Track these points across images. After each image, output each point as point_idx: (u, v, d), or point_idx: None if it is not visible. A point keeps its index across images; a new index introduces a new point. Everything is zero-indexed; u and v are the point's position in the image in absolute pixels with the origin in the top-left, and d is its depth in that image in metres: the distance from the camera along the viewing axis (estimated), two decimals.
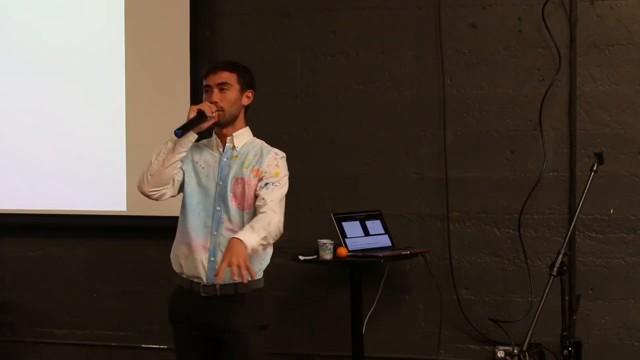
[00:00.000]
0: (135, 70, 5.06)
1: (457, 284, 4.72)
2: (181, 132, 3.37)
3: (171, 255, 3.58)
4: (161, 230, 5.05)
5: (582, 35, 4.58)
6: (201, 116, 3.42)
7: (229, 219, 3.45)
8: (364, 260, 4.43)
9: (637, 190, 4.55)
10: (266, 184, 3.44)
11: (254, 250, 3.31)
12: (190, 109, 3.44)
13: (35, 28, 5.22)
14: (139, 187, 3.50)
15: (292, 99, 4.95)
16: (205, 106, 3.43)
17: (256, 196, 3.44)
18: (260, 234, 3.31)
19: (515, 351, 4.54)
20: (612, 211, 4.57)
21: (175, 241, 3.58)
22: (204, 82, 3.53)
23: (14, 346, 5.32)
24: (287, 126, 4.92)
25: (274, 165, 3.49)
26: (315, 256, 4.45)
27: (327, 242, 4.40)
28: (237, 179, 3.47)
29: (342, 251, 4.41)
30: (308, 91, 4.94)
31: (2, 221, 5.27)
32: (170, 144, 3.44)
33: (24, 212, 5.23)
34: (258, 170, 3.47)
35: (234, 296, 3.43)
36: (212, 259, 3.44)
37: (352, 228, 4.52)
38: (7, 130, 5.26)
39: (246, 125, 3.59)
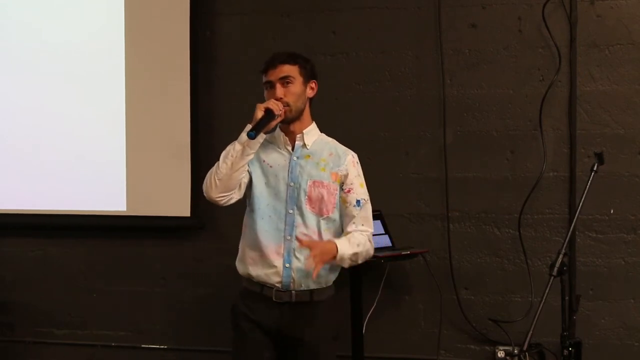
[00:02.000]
0: (135, 70, 5.06)
1: (457, 284, 4.72)
2: (255, 133, 3.19)
3: (237, 258, 3.41)
4: (161, 230, 5.09)
5: (582, 35, 4.58)
6: (269, 115, 3.23)
7: (304, 224, 3.30)
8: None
9: (637, 190, 4.56)
10: (358, 201, 3.33)
11: (342, 260, 3.21)
12: (257, 107, 3.25)
13: (35, 28, 5.21)
14: (207, 192, 3.30)
15: None
16: (272, 104, 3.24)
17: (341, 205, 3.33)
18: (354, 249, 3.24)
19: (515, 351, 4.54)
20: (612, 211, 4.57)
21: (241, 245, 3.40)
22: (264, 79, 3.34)
23: (14, 346, 5.31)
24: None
25: (356, 175, 3.38)
26: None
27: None
28: (314, 182, 3.31)
29: None
30: None
31: (2, 221, 5.27)
32: (238, 146, 3.24)
33: (24, 212, 5.23)
34: (337, 174, 3.35)
35: (309, 303, 3.30)
36: (287, 265, 3.29)
37: None
38: (7, 130, 5.25)
39: (313, 120, 3.44)
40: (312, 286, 3.30)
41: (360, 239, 3.31)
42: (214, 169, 3.26)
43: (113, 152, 5.09)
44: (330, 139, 3.48)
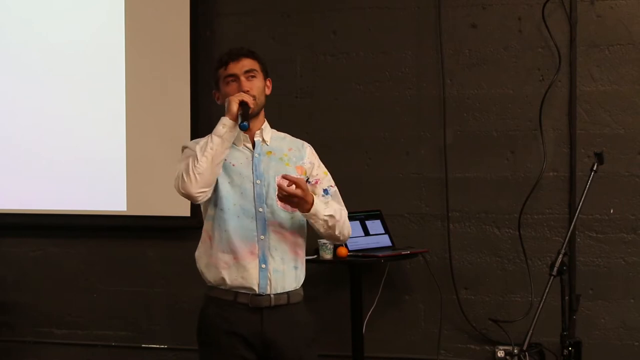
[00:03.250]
0: (135, 70, 5.06)
1: (457, 284, 4.72)
2: (248, 123, 3.09)
3: (202, 266, 3.23)
4: (161, 230, 5.09)
5: (582, 35, 4.58)
6: (245, 107, 3.15)
7: (275, 222, 3.18)
8: (364, 260, 4.44)
9: (637, 190, 4.55)
10: (325, 190, 3.25)
11: (315, 217, 3.10)
12: (231, 100, 3.14)
13: (36, 28, 5.22)
14: (185, 188, 3.12)
15: (292, 99, 4.94)
16: (244, 96, 3.16)
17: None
18: (330, 212, 3.14)
19: (515, 351, 4.53)
20: (612, 211, 4.57)
21: (207, 249, 3.22)
22: (225, 72, 3.24)
23: (14, 346, 5.31)
24: (287, 126, 4.89)
25: (319, 165, 3.31)
26: (315, 256, 4.44)
27: (327, 242, 4.40)
28: (281, 178, 3.16)
29: (342, 251, 4.41)
30: (308, 91, 4.94)
31: (2, 221, 5.27)
32: (217, 139, 3.11)
33: (24, 212, 5.23)
34: (302, 167, 3.27)
35: (286, 306, 3.18)
36: (263, 266, 3.15)
37: (352, 228, 4.51)
38: (7, 130, 5.26)
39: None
40: (288, 288, 3.19)
41: (337, 207, 3.23)
42: (190, 164, 3.10)
43: (113, 151, 5.09)
44: (283, 133, 3.39)
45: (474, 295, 4.74)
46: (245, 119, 3.10)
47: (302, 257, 3.26)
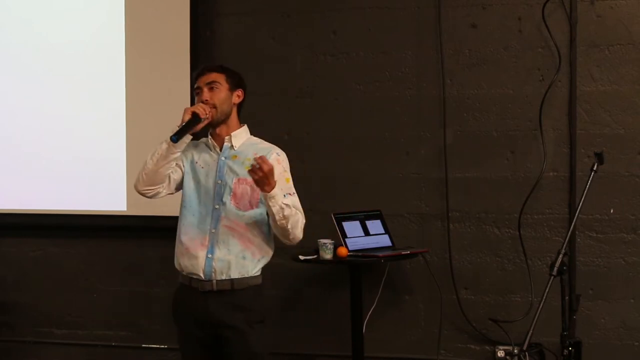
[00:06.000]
0: (135, 70, 5.06)
1: (457, 284, 4.72)
2: (177, 137, 3.46)
3: (175, 254, 3.66)
4: (161, 230, 5.07)
5: (582, 35, 4.58)
6: (195, 118, 3.49)
7: (228, 217, 3.52)
8: (364, 260, 4.43)
9: (637, 190, 4.56)
10: (284, 195, 3.48)
11: (273, 200, 3.37)
12: (184, 111, 3.51)
13: (36, 28, 5.22)
14: (135, 185, 3.60)
15: (292, 99, 4.95)
16: (199, 108, 3.51)
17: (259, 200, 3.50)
18: (288, 202, 3.44)
19: (515, 351, 4.54)
20: (612, 211, 4.57)
21: (176, 240, 3.65)
22: (195, 86, 3.61)
23: (14, 346, 5.32)
24: (287, 126, 4.92)
25: (282, 171, 3.55)
26: (315, 256, 4.45)
27: (327, 242, 4.41)
28: (239, 179, 3.53)
29: (342, 251, 4.41)
30: (308, 91, 4.94)
31: (2, 221, 5.27)
32: (164, 145, 3.52)
33: (24, 212, 5.23)
34: None
35: (230, 292, 3.51)
36: (209, 256, 3.52)
37: (352, 228, 4.52)
38: (7, 130, 5.26)
39: (242, 124, 3.66)
40: (233, 276, 3.51)
41: (297, 205, 3.52)
42: (142, 165, 3.54)
43: (113, 151, 5.09)
44: (258, 139, 3.67)
45: (474, 295, 4.74)
46: (180, 132, 3.45)
47: (254, 250, 3.54)
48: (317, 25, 4.92)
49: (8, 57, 5.26)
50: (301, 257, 4.45)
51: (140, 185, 3.58)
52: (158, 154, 3.52)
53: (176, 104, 4.96)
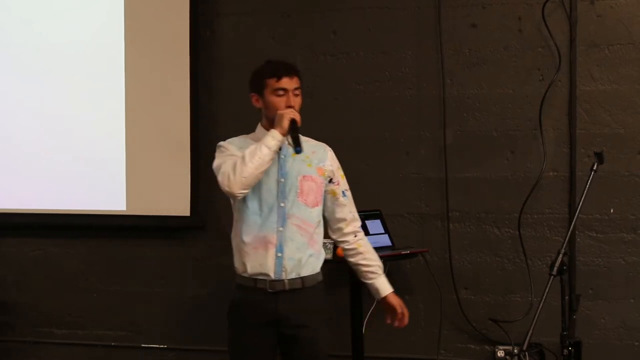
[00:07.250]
0: (135, 70, 5.06)
1: (457, 284, 4.72)
2: (300, 148, 3.45)
3: (234, 256, 3.59)
4: (161, 230, 5.09)
5: (582, 35, 4.58)
6: (294, 124, 3.48)
7: (295, 215, 3.51)
8: None
9: (637, 190, 4.56)
10: (343, 192, 3.62)
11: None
12: (284, 116, 3.46)
13: (36, 28, 5.22)
14: (230, 187, 3.42)
15: None
16: (296, 115, 3.50)
17: (330, 196, 3.62)
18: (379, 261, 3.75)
19: (515, 351, 4.54)
20: (612, 211, 4.57)
21: (235, 240, 3.58)
22: (277, 84, 3.54)
23: (14, 346, 5.32)
24: None
25: (338, 168, 3.67)
26: None
27: (327, 242, 4.38)
28: (304, 177, 3.55)
29: (342, 251, 4.40)
30: (308, 91, 4.93)
31: (2, 221, 5.28)
32: (266, 150, 3.42)
33: (24, 212, 5.23)
34: (322, 169, 3.60)
35: (301, 290, 3.50)
36: (279, 254, 3.48)
37: None
38: (7, 130, 5.26)
39: None
40: (303, 274, 3.51)
41: (369, 248, 3.77)
42: (238, 166, 3.40)
43: (113, 151, 5.09)
44: (305, 137, 3.66)
45: (473, 295, 4.74)
46: (296, 141, 3.46)
47: (318, 247, 3.60)
48: (317, 25, 4.92)
49: (8, 57, 5.26)
50: None
51: (237, 189, 3.41)
52: (260, 159, 3.40)
53: (176, 104, 4.98)
